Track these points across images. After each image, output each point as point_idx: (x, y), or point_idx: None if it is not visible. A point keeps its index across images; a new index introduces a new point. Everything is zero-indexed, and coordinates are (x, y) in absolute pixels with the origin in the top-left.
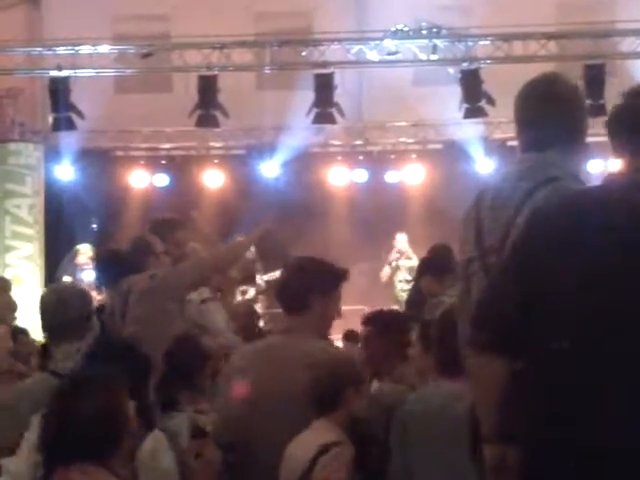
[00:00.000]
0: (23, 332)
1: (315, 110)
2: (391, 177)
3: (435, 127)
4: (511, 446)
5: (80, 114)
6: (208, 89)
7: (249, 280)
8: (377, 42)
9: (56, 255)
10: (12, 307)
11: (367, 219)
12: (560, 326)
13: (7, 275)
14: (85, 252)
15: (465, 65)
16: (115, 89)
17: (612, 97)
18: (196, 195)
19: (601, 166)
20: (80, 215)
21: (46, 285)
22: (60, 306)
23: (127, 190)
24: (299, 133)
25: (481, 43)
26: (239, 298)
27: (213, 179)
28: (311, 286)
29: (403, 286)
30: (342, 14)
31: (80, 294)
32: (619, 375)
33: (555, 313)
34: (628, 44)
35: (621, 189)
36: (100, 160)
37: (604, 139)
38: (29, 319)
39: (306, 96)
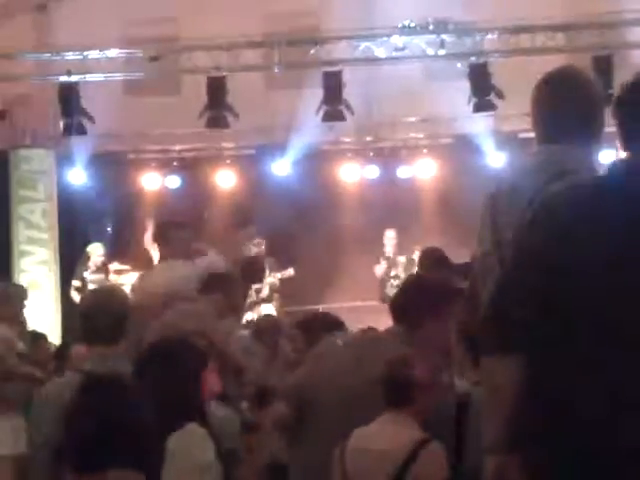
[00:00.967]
0: (42, 337)
1: (324, 108)
2: (403, 172)
3: (445, 122)
4: (516, 455)
5: (91, 118)
6: (217, 90)
7: (257, 278)
8: (384, 39)
9: (71, 259)
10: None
11: (379, 215)
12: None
13: (23, 280)
14: (96, 252)
15: (473, 59)
16: (125, 92)
17: None
18: (208, 196)
19: (612, 156)
20: (93, 219)
21: (62, 289)
22: (97, 309)
23: (140, 193)
24: (309, 131)
25: (488, 37)
26: (253, 297)
27: (225, 179)
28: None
29: (393, 282)
30: (349, 11)
31: (120, 299)
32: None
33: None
34: (635, 34)
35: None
36: (112, 163)
37: (614, 129)
38: (46, 323)
39: (315, 94)
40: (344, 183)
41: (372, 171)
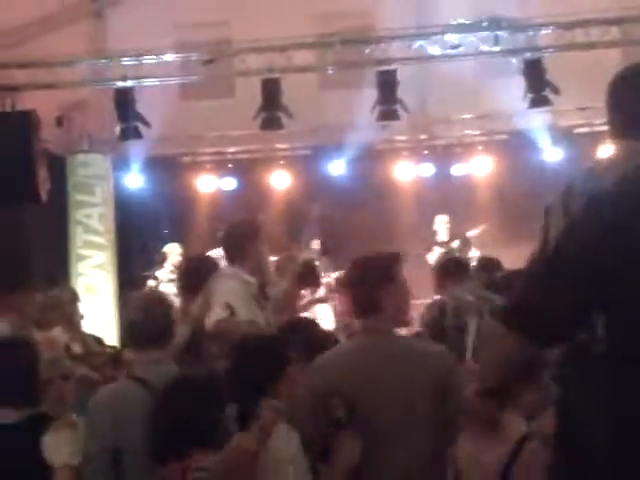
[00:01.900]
0: (98, 341)
1: (379, 107)
2: (458, 170)
3: (500, 118)
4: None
5: (146, 123)
6: (271, 92)
7: (313, 282)
8: (438, 36)
9: (128, 263)
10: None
11: (435, 213)
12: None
13: (80, 284)
14: (174, 251)
15: (528, 55)
16: (179, 96)
17: None
18: (263, 197)
19: None
20: (150, 222)
21: (120, 293)
22: (143, 314)
23: (195, 195)
24: (363, 131)
25: (542, 32)
26: (309, 296)
27: (280, 180)
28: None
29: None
30: (402, 10)
31: (165, 304)
32: None
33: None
34: None
35: None
36: (167, 167)
37: None
38: (103, 327)
39: (369, 94)
40: (399, 182)
41: (427, 169)
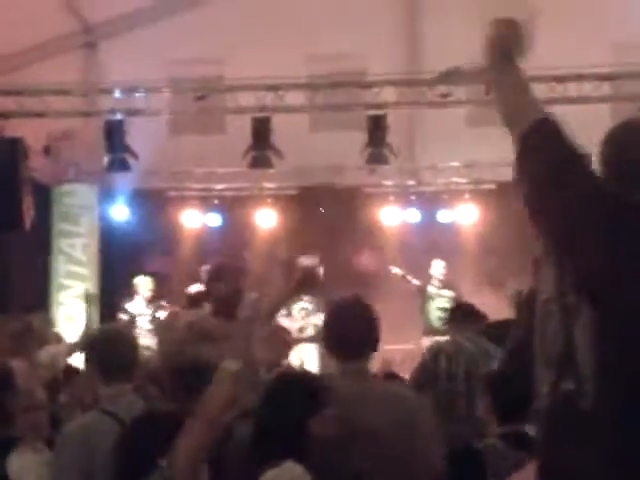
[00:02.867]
0: (77, 372)
1: (368, 150)
2: (444, 217)
3: (489, 167)
4: None
5: (134, 155)
6: (262, 130)
7: (312, 287)
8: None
9: (109, 294)
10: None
11: (419, 258)
12: None
13: (60, 313)
14: (146, 285)
15: None
16: (169, 130)
17: None
18: (248, 235)
19: None
20: (134, 255)
21: (101, 323)
22: (114, 347)
23: (180, 230)
24: (351, 173)
25: (535, 84)
26: (294, 334)
27: (266, 219)
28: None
29: (440, 314)
30: (395, 56)
31: (131, 337)
32: None
33: None
34: None
35: None
36: (153, 200)
37: None
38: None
39: (359, 137)
40: (385, 226)
41: (413, 215)
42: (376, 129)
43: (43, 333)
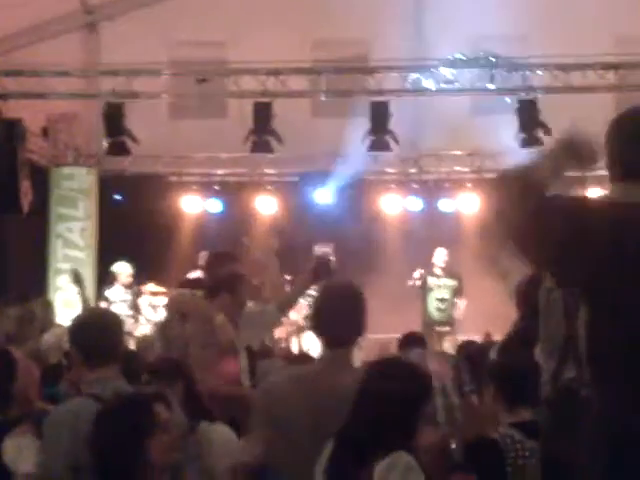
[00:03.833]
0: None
1: (370, 138)
2: (445, 206)
3: (491, 156)
4: None
5: (134, 139)
6: (263, 115)
7: (326, 277)
8: (434, 70)
9: (107, 279)
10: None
11: (420, 247)
12: None
13: (58, 298)
14: (124, 271)
15: (522, 95)
16: (170, 114)
17: None
18: (249, 221)
19: None
20: (132, 240)
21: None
22: (97, 332)
23: (180, 215)
24: (353, 161)
25: (539, 73)
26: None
27: (266, 205)
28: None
29: (439, 305)
30: (399, 41)
31: (115, 320)
32: None
33: None
34: None
35: None
36: (153, 185)
37: None
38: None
39: (361, 123)
40: (386, 214)
41: (414, 203)
42: (378, 116)
43: (45, 318)
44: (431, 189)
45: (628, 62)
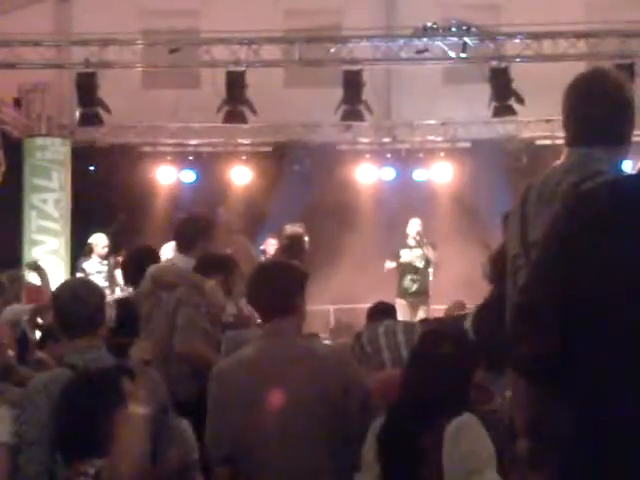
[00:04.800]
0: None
1: (343, 107)
2: (419, 175)
3: (464, 125)
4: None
5: (107, 109)
6: (236, 85)
7: (299, 255)
8: (406, 39)
9: (81, 250)
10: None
11: (394, 217)
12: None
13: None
14: (100, 242)
15: (495, 63)
16: (143, 84)
17: None
18: (223, 191)
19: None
20: (106, 210)
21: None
22: (75, 302)
23: (154, 186)
24: (327, 130)
25: (511, 41)
26: None
27: (240, 176)
28: (299, 288)
29: (412, 276)
30: (371, 11)
31: (94, 289)
32: None
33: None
34: None
35: None
36: (127, 155)
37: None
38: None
39: (334, 93)
40: (360, 184)
41: (389, 173)
42: (351, 85)
43: (11, 292)
44: (405, 158)
45: (599, 30)
